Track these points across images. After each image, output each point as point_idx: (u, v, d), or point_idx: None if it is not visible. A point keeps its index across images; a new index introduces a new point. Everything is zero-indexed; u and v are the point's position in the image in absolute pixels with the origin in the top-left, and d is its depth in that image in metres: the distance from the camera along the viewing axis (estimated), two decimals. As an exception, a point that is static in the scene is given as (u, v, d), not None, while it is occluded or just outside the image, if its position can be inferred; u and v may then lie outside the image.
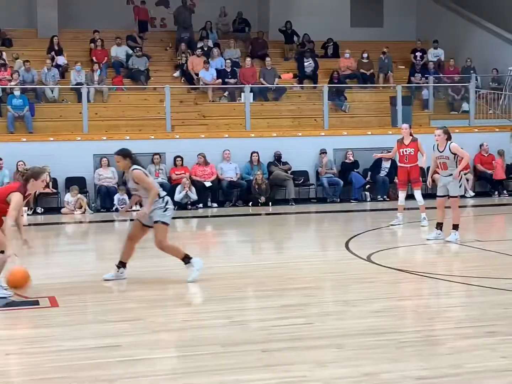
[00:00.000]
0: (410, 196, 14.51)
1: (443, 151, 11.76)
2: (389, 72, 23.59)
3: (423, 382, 5.13)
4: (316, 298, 7.99)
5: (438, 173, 12.28)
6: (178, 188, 18.23)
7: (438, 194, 11.96)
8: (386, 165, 19.46)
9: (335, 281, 9.04)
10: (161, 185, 13.52)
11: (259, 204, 18.54)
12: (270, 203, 18.56)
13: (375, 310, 7.26)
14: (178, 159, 18.90)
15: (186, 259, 8.77)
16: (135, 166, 8.67)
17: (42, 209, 17.89)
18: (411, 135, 14.13)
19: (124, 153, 8.72)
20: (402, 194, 14.04)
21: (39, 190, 8.52)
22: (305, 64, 23.11)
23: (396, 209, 14.20)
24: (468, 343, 6.07)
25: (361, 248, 11.30)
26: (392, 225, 13.93)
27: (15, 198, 7.81)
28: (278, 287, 8.56)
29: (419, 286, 8.74)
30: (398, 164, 14.36)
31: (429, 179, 12.47)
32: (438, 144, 11.86)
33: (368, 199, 19.32)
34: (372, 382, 5.17)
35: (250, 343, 6.20)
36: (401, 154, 14.11)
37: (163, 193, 8.84)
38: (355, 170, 19.62)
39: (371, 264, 9.97)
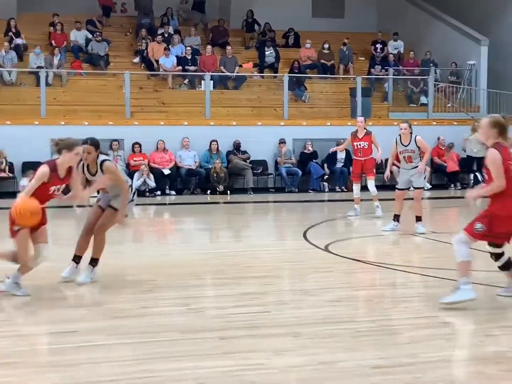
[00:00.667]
0: (364, 188, 14.58)
1: (408, 144, 11.86)
2: (350, 63, 23.69)
3: (378, 371, 5.19)
4: (273, 287, 8.03)
5: (397, 166, 12.39)
6: (136, 174, 18.14)
7: (399, 187, 12.05)
8: (341, 156, 19.58)
9: (292, 270, 9.09)
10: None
11: (218, 193, 18.53)
12: (228, 192, 18.56)
13: (332, 300, 7.32)
14: (137, 145, 18.80)
15: (96, 261, 8.15)
16: (104, 157, 8.09)
17: (-3, 194, 17.63)
18: (364, 128, 14.22)
19: (96, 144, 8.00)
20: (356, 186, 14.15)
21: (73, 164, 7.60)
22: (266, 53, 23.11)
23: (353, 200, 14.30)
24: (423, 333, 6.16)
25: (319, 238, 11.36)
26: (349, 216, 14.04)
27: (38, 170, 7.45)
28: (236, 276, 8.58)
29: (375, 276, 8.83)
30: (353, 157, 14.49)
31: (387, 172, 12.60)
32: (401, 138, 11.92)
33: (326, 189, 19.44)
34: (329, 370, 5.22)
35: (208, 330, 6.21)
36: (355, 147, 14.17)
37: (129, 182, 8.50)
38: (313, 160, 19.72)
39: (328, 254, 10.04)
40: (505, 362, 5.36)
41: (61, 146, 7.48)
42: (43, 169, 7.39)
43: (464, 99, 23.15)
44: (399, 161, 12.29)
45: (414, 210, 11.98)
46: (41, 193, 7.37)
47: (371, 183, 14.06)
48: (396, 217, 12.02)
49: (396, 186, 12.19)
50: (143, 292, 7.68)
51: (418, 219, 11.78)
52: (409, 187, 12.18)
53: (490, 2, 24.29)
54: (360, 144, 14.08)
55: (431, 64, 23.14)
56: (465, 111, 22.37)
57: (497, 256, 7.13)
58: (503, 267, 7.10)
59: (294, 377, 5.13)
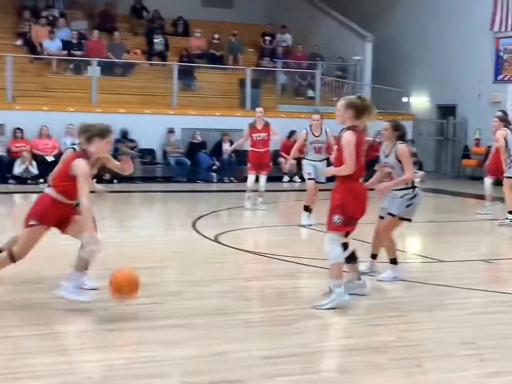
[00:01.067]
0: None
1: (319, 135, 11.94)
2: (239, 54, 23.72)
3: (269, 361, 5.20)
4: (163, 278, 7.93)
5: (299, 158, 12.44)
6: (18, 161, 17.54)
7: (313, 179, 11.83)
8: (227, 146, 19.59)
9: (182, 261, 8.99)
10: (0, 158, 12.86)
11: (104, 181, 18.14)
12: (115, 181, 18.22)
13: (223, 291, 7.29)
14: (18, 131, 18.18)
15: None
16: None
17: None
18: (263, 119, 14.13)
19: None
20: (252, 177, 13.94)
21: (105, 154, 6.71)
22: (155, 41, 22.81)
23: (245, 191, 14.15)
24: (313, 323, 6.21)
25: (208, 228, 11.31)
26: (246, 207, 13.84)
27: (80, 167, 6.30)
28: (123, 266, 8.39)
29: (265, 267, 8.84)
30: (250, 148, 14.10)
31: (291, 160, 12.65)
32: (312, 128, 11.96)
33: (215, 180, 19.39)
34: (221, 361, 5.19)
35: (96, 322, 6.05)
36: (255, 139, 13.95)
37: None
38: (202, 150, 19.63)
39: (218, 244, 10.00)
40: (392, 352, 5.47)
41: (92, 133, 6.44)
42: (84, 165, 6.31)
43: (349, 94, 23.57)
44: (301, 152, 12.30)
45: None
46: (74, 189, 6.39)
47: (264, 179, 13.97)
48: (309, 209, 11.83)
49: (311, 178, 11.87)
50: (25, 283, 7.40)
51: (306, 209, 11.82)
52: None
53: (376, 0, 24.85)
54: (259, 136, 13.91)
55: (318, 58, 23.46)
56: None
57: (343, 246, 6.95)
58: (347, 259, 6.90)
59: (186, 369, 5.06)
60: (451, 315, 6.54)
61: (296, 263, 8.75)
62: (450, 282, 7.71)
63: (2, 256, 6.78)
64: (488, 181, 13.40)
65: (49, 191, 6.62)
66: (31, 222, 6.54)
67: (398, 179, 7.61)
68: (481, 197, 14.11)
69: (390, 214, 7.68)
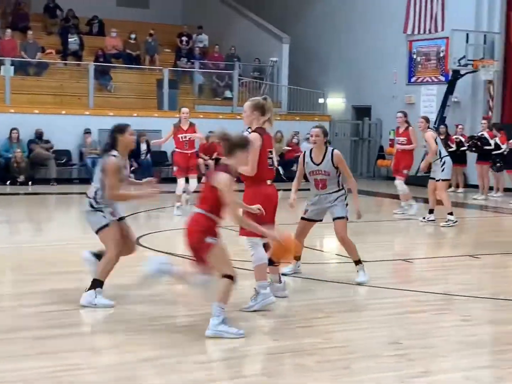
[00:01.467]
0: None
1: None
2: (156, 54, 23.53)
3: (200, 366, 5.16)
4: (85, 283, 7.73)
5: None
6: None
7: None
8: (144, 147, 19.44)
9: (104, 265, 8.82)
10: None
11: (18, 183, 17.74)
12: (29, 183, 17.81)
13: (147, 295, 7.20)
14: None
15: None
16: None
17: None
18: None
19: None
20: (182, 181, 13.52)
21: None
22: (70, 40, 22.39)
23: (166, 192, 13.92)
24: (240, 326, 6.18)
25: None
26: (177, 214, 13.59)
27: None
28: (42, 271, 8.24)
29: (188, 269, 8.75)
30: (177, 150, 13.76)
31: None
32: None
33: (132, 181, 19.14)
34: (150, 367, 5.13)
35: (21, 330, 5.91)
36: (180, 140, 13.58)
37: None
38: (119, 151, 19.35)
39: (139, 247, 9.85)
40: (320, 354, 5.51)
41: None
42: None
43: (267, 94, 23.71)
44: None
45: None
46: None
47: (194, 181, 13.78)
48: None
49: None
50: None
51: None
52: None
53: (291, 1, 25.06)
54: (185, 136, 13.57)
55: (235, 59, 23.49)
56: (268, 106, 22.91)
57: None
58: (269, 260, 6.85)
59: (114, 376, 4.98)
60: (376, 315, 6.64)
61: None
62: (372, 282, 7.82)
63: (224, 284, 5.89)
64: (399, 181, 13.65)
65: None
66: (209, 241, 5.90)
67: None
68: (397, 197, 14.39)
69: (338, 218, 7.74)
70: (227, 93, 22.98)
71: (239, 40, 24.91)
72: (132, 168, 19.20)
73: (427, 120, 12.73)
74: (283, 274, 7.60)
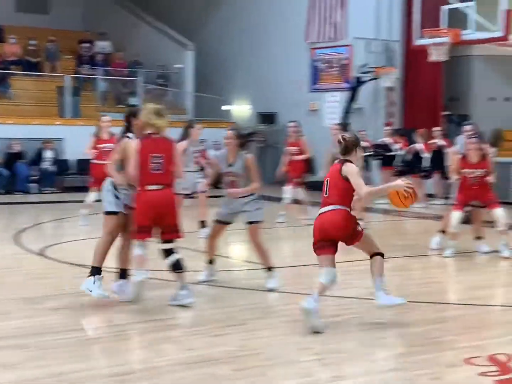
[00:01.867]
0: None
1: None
2: (56, 61, 23.05)
3: (115, 380, 5.05)
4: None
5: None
6: None
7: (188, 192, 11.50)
8: (48, 155, 19.02)
9: (9, 278, 8.56)
10: None
11: None
12: None
13: (55, 307, 7.03)
14: None
15: None
16: None
17: None
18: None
19: None
20: (94, 194, 12.57)
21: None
22: (-34, 46, 21.73)
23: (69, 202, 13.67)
24: (152, 337, 6.11)
25: (33, 242, 10.87)
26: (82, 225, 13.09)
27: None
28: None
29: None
30: (95, 161, 12.92)
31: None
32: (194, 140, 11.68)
33: (35, 190, 18.69)
34: (63, 381, 4.98)
35: None
36: (100, 149, 12.75)
37: None
38: (20, 160, 18.87)
39: (44, 259, 9.64)
40: (235, 362, 5.48)
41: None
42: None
43: (172, 102, 23.62)
44: None
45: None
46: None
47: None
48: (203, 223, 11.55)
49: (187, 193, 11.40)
50: None
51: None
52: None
53: (195, 8, 25.02)
54: (106, 146, 12.48)
55: (139, 66, 23.25)
56: (173, 113, 22.80)
57: (165, 254, 7.05)
58: (173, 267, 7.03)
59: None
60: (287, 321, 6.65)
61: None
62: (282, 288, 7.85)
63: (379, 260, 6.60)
64: (288, 189, 13.76)
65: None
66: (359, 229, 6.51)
67: (247, 188, 7.80)
68: (300, 202, 14.49)
69: (250, 223, 7.83)
70: (132, 100, 22.69)
71: (143, 47, 24.70)
72: (34, 177, 18.79)
73: (343, 127, 12.65)
74: (201, 282, 7.62)
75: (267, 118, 23.27)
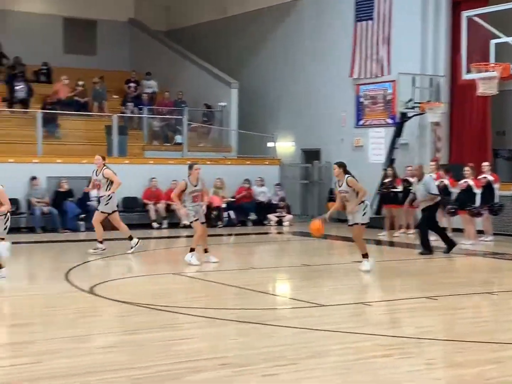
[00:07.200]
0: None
1: (196, 185, 12.55)
2: (103, 101, 23.41)
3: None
4: (41, 335, 7.52)
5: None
6: None
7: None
8: (94, 193, 19.22)
9: (58, 316, 8.58)
10: None
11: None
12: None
13: (105, 346, 7.01)
14: None
15: None
16: None
17: None
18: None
19: None
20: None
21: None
22: (17, 88, 22.16)
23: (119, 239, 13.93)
24: (202, 377, 6.05)
25: (82, 280, 10.93)
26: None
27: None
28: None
29: (145, 319, 8.52)
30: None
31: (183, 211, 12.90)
32: (191, 179, 12.62)
33: (83, 228, 18.86)
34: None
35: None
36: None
37: None
38: (69, 199, 19.10)
39: (94, 296, 9.67)
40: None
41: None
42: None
43: (217, 139, 23.82)
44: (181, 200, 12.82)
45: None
46: None
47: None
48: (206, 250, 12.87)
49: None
50: None
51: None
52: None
53: (239, 46, 25.27)
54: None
55: (183, 105, 23.46)
56: (218, 151, 22.97)
57: None
58: None
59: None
60: (338, 361, 6.53)
61: (175, 312, 8.58)
62: (333, 326, 7.75)
63: None
64: None
65: None
66: None
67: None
68: (349, 239, 14.35)
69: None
70: (177, 138, 22.91)
71: (188, 86, 25.00)
72: (82, 215, 18.95)
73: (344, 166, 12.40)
74: None
75: (311, 154, 23.26)
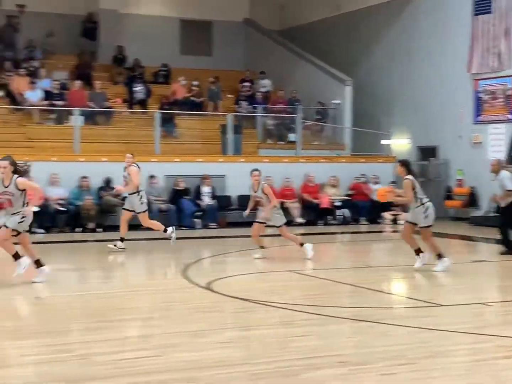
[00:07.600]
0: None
1: (256, 191, 12.91)
2: (218, 100, 23.76)
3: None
4: (159, 329, 7.72)
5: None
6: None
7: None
8: (206, 190, 19.58)
9: (176, 311, 8.78)
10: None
11: (88, 230, 17.96)
12: (100, 229, 18.01)
13: (222, 341, 7.12)
14: (1, 182, 17.95)
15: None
16: None
17: None
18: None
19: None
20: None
21: None
22: (136, 89, 22.80)
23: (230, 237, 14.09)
24: (320, 374, 6.05)
25: (199, 276, 11.13)
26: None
27: None
28: (116, 318, 8.22)
29: (262, 315, 8.64)
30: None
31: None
32: (254, 185, 13.08)
33: (199, 226, 19.22)
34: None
35: (96, 378, 5.86)
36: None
37: None
38: (185, 197, 19.50)
39: (211, 292, 9.83)
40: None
41: None
42: None
43: (329, 137, 23.75)
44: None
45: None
46: None
47: None
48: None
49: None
50: (21, 339, 7.19)
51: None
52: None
53: (354, 45, 25.10)
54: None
55: (297, 103, 23.51)
56: (331, 149, 22.91)
57: None
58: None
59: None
60: (457, 361, 6.40)
61: (291, 310, 8.61)
62: (452, 326, 7.59)
63: None
64: None
65: None
66: None
67: None
68: (468, 238, 14.04)
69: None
70: (291, 136, 22.97)
71: (302, 84, 25.03)
72: (198, 213, 19.31)
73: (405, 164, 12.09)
74: None
75: (427, 151, 22.84)
